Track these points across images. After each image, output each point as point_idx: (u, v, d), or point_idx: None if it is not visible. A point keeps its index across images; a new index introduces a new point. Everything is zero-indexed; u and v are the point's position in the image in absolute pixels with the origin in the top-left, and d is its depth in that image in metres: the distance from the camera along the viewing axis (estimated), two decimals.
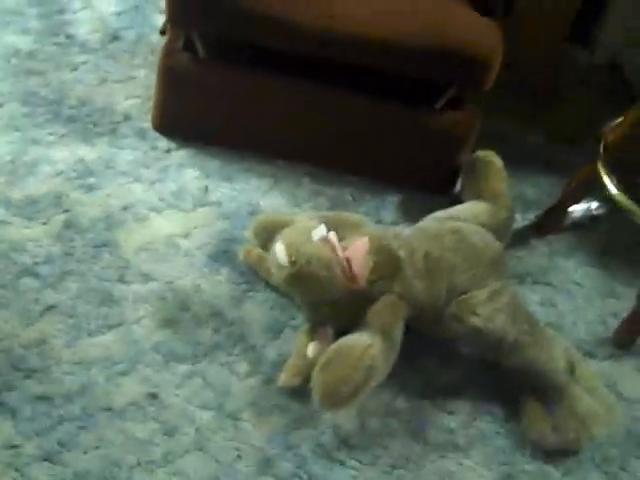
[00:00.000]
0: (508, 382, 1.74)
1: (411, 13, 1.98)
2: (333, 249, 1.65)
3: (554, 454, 1.66)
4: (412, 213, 2.04)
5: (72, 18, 2.39)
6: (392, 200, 2.11)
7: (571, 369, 1.73)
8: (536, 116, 2.50)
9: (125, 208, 1.91)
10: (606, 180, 1.88)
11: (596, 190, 1.97)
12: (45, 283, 1.72)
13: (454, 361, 1.78)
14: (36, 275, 1.73)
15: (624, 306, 1.93)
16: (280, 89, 2.07)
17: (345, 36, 1.93)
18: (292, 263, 1.61)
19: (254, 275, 1.84)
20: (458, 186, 2.13)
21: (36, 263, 1.75)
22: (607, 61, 2.73)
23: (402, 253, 1.70)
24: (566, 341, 1.81)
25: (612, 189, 1.87)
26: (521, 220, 2.14)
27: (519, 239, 2.09)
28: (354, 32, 1.93)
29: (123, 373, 1.61)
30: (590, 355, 1.86)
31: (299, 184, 2.09)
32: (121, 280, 1.77)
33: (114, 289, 1.74)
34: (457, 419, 1.69)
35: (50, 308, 1.68)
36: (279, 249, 1.64)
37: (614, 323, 1.93)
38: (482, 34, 1.99)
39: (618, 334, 1.90)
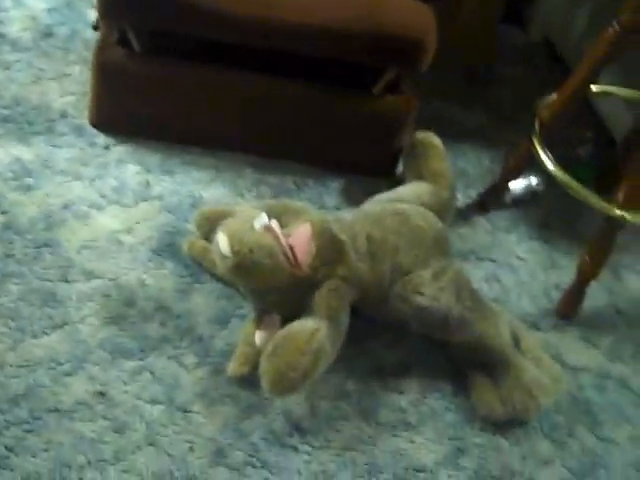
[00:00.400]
0: (455, 359, 1.77)
1: None
2: (275, 237, 1.65)
3: (503, 425, 1.69)
4: (355, 197, 2.06)
5: (2, 17, 2.35)
6: (334, 185, 2.12)
7: (515, 342, 1.76)
8: (475, 96, 2.53)
9: (65, 207, 1.89)
10: (542, 155, 1.91)
11: (535, 165, 2.00)
12: None
13: (401, 342, 1.79)
14: None
15: (566, 277, 1.97)
16: (217, 80, 2.06)
17: (281, 25, 1.93)
18: (235, 253, 1.61)
19: (199, 267, 1.83)
20: (400, 168, 2.15)
21: None
22: (541, 39, 2.77)
23: (344, 237, 1.71)
24: (510, 315, 1.84)
25: (548, 164, 1.90)
26: (463, 198, 2.17)
27: (461, 217, 2.12)
28: (289, 20, 1.93)
29: (69, 373, 1.59)
30: (535, 327, 1.90)
31: (241, 174, 2.08)
32: (64, 279, 1.75)
33: (57, 289, 1.73)
34: (407, 398, 1.70)
35: None
36: (221, 239, 1.64)
37: (557, 295, 1.97)
38: (415, 17, 2.00)
39: (561, 305, 1.94)
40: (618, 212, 1.79)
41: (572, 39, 2.61)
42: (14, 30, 2.31)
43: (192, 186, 2.02)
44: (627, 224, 1.84)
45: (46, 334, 1.64)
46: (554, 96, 1.98)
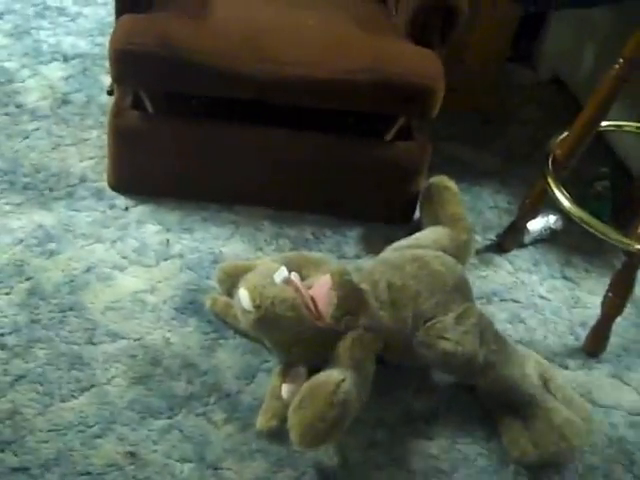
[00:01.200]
0: (485, 402, 1.75)
1: (351, 50, 2.02)
2: (296, 289, 1.66)
3: (537, 469, 1.67)
4: (373, 245, 2.06)
5: (21, 86, 2.41)
6: (352, 234, 2.13)
7: (544, 382, 1.74)
8: (488, 137, 2.55)
9: (88, 270, 1.91)
10: (557, 193, 1.91)
11: (552, 204, 2.00)
12: (12, 353, 1.70)
13: (428, 388, 1.78)
14: (2, 346, 1.71)
15: (591, 314, 1.96)
16: (231, 136, 2.09)
17: (291, 80, 1.96)
18: (257, 307, 1.62)
19: (223, 323, 1.84)
20: (417, 213, 2.16)
21: (1, 334, 1.74)
22: (550, 77, 2.79)
23: (365, 286, 1.71)
24: (537, 355, 1.83)
25: (564, 202, 1.90)
26: (482, 240, 2.17)
27: (482, 259, 2.12)
28: (300, 75, 1.96)
29: (99, 435, 1.59)
30: (563, 366, 1.88)
31: (259, 228, 2.10)
32: (90, 342, 1.76)
33: (83, 351, 1.74)
34: (438, 444, 1.69)
35: (19, 378, 1.66)
36: (243, 295, 1.65)
37: (583, 333, 1.95)
38: (422, 64, 2.03)
39: (588, 343, 1.92)
40: (638, 247, 1.78)
41: (581, 76, 2.63)
42: (32, 99, 2.36)
43: (212, 242, 2.04)
44: None
45: (74, 397, 1.65)
46: (566, 134, 1.99)
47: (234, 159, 2.12)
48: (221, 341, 1.81)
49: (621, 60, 1.83)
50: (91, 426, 1.61)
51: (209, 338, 1.81)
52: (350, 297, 1.68)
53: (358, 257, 2.07)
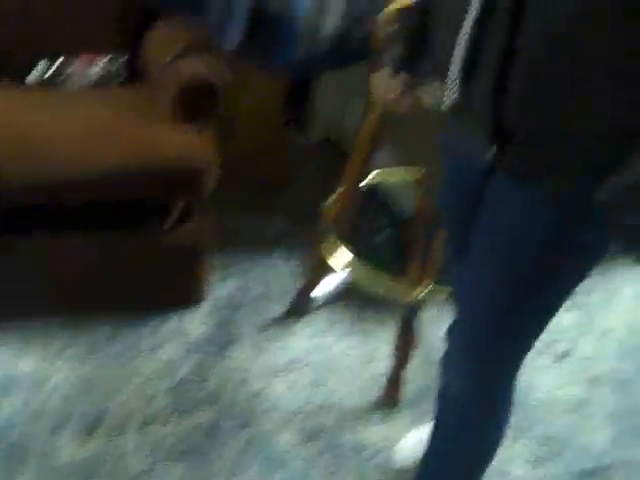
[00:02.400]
0: None
1: (119, 142, 2.02)
2: None
3: None
4: (175, 332, 2.07)
5: None
6: (148, 327, 2.11)
7: None
8: (272, 202, 2.60)
9: None
10: (330, 260, 1.99)
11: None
12: None
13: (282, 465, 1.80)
14: None
15: (386, 366, 2.00)
16: (8, 247, 2.03)
17: (60, 180, 1.95)
18: None
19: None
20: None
21: None
22: (322, 138, 2.91)
23: None
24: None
25: (336, 267, 1.98)
26: (279, 308, 2.20)
27: (279, 329, 2.15)
28: (67, 174, 1.95)
29: None
30: (368, 422, 1.92)
31: (52, 338, 2.05)
32: None
33: None
34: None
35: None
36: None
37: (382, 385, 2.00)
38: (190, 147, 2.06)
39: (385, 395, 1.97)
40: (408, 299, 1.86)
41: (348, 134, 2.75)
42: None
43: (1, 365, 1.96)
44: (423, 302, 1.91)
45: None
46: (335, 195, 2.07)
47: (15, 271, 2.06)
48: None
49: (373, 115, 1.93)
50: None
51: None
52: None
53: (158, 348, 2.05)
